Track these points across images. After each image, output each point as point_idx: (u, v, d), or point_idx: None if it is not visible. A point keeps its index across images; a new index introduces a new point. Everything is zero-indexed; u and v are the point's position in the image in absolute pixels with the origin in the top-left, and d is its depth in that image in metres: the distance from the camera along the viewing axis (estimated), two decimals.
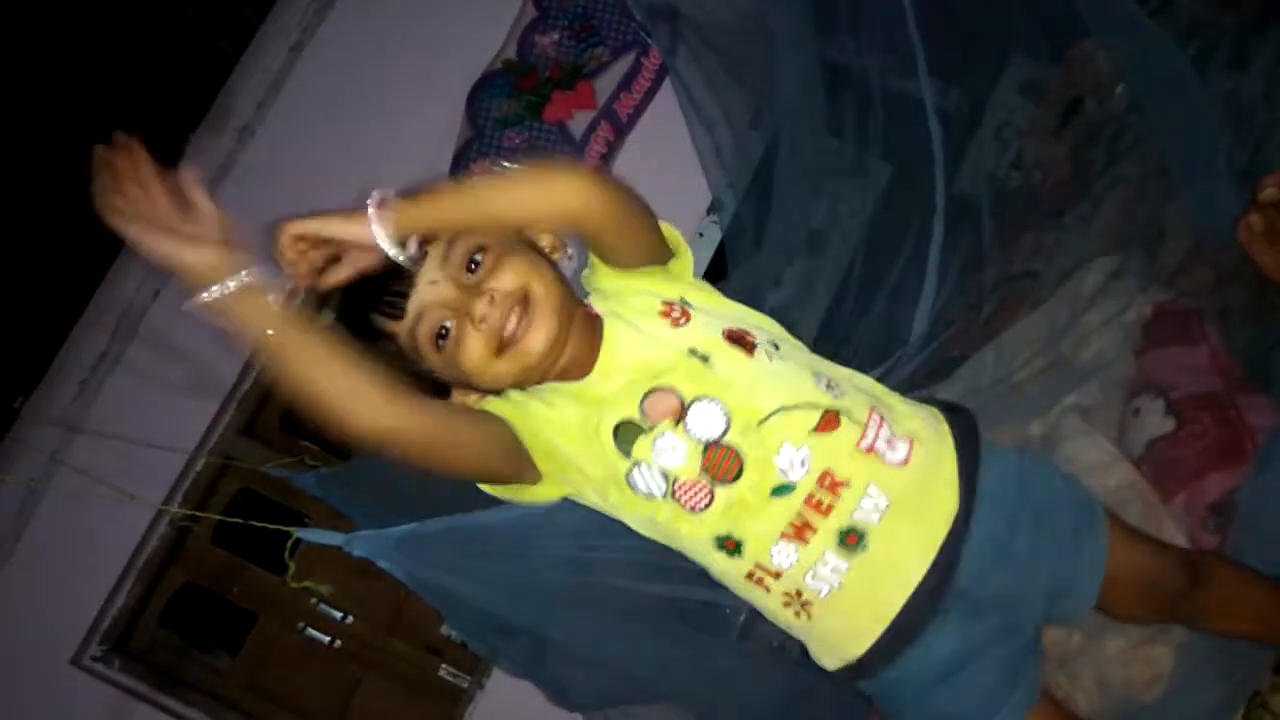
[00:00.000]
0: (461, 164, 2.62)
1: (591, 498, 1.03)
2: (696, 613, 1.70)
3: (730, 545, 0.97)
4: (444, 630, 2.58)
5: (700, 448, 0.95)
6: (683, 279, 1.05)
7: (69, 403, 2.58)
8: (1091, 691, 1.22)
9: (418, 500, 2.00)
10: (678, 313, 1.01)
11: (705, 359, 0.97)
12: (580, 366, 0.99)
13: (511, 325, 0.95)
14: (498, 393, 1.01)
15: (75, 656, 2.56)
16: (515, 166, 0.99)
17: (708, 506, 0.96)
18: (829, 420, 0.96)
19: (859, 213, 2.30)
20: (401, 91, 2.58)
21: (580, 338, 0.99)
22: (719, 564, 1.00)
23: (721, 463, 0.95)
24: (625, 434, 0.96)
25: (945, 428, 1.02)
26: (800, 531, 0.95)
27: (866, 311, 1.90)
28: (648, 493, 0.97)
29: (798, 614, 0.99)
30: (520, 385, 1.00)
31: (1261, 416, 1.15)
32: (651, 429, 0.95)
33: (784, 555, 0.96)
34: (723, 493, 0.95)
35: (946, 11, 1.81)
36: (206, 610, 2.71)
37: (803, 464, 0.95)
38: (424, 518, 1.51)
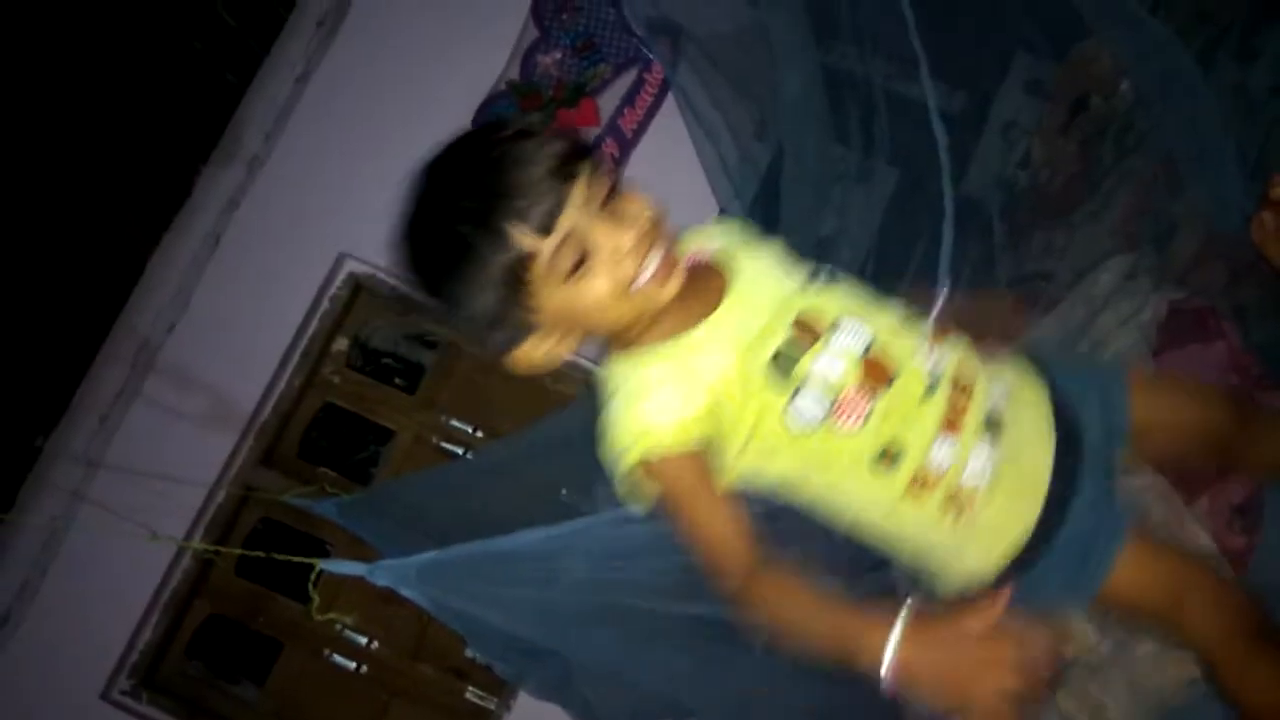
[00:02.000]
0: None
1: (740, 447, 0.98)
2: (722, 627, 1.69)
3: (889, 457, 0.97)
4: (469, 653, 2.59)
5: (857, 358, 0.96)
6: None
7: (90, 439, 2.60)
8: (1123, 697, 1.21)
9: (438, 525, 2.01)
10: (795, 258, 1.05)
11: (833, 278, 1.02)
12: (695, 312, 0.96)
13: (652, 265, 0.91)
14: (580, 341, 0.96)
15: (104, 691, 2.58)
16: None
17: (866, 419, 0.96)
18: (941, 330, 1.03)
19: (867, 219, 2.30)
20: (407, 117, 2.60)
21: (692, 286, 0.96)
22: (873, 488, 0.98)
23: (876, 371, 0.97)
24: (783, 362, 0.95)
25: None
26: (953, 423, 0.98)
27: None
28: (807, 421, 0.95)
29: (956, 518, 0.99)
30: (623, 330, 0.96)
31: None
32: (809, 349, 0.96)
33: (943, 452, 0.98)
34: (880, 402, 0.96)
35: (948, 14, 1.82)
36: (232, 641, 2.73)
37: (938, 363, 0.99)
38: (445, 541, 1.51)
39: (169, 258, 2.62)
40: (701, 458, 0.95)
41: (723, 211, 2.50)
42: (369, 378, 2.76)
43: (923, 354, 0.99)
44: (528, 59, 2.70)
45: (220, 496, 2.60)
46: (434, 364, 2.76)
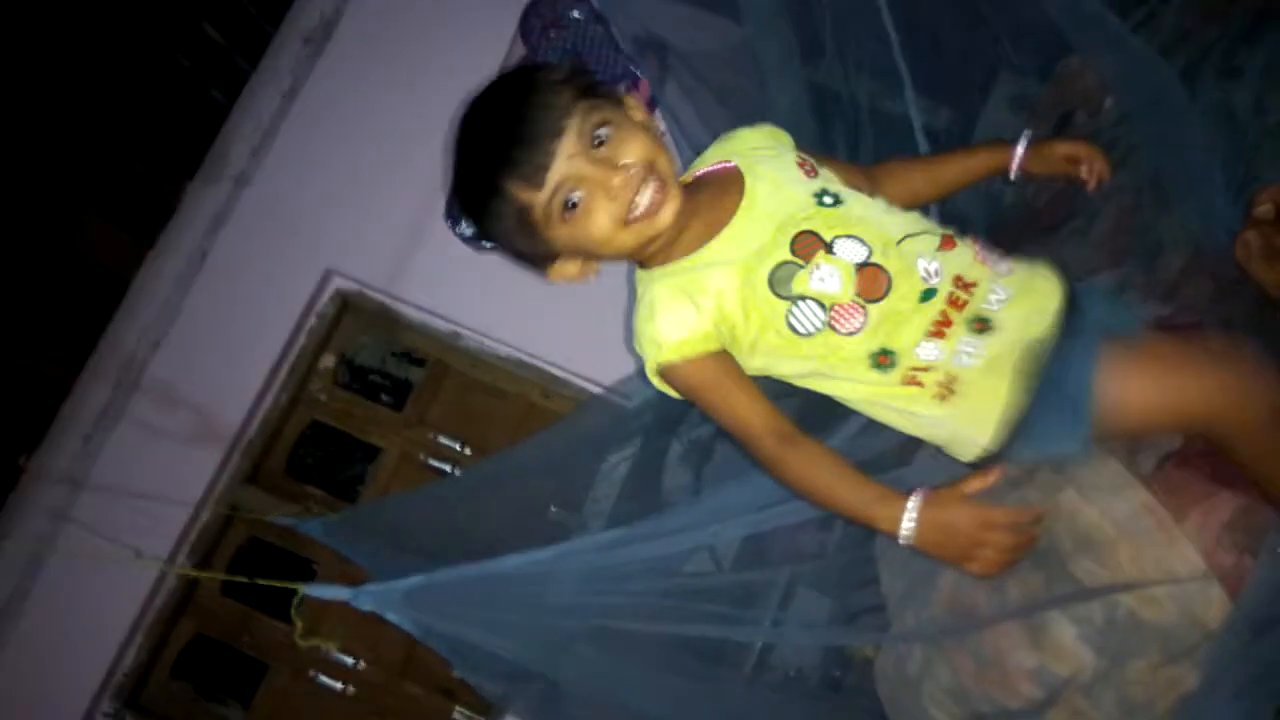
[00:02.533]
0: (456, 204, 2.62)
1: (752, 351, 1.10)
2: (711, 647, 1.68)
3: (884, 360, 1.08)
4: (456, 673, 2.57)
5: (852, 270, 1.05)
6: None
7: (73, 458, 2.57)
8: (1115, 715, 1.20)
9: (427, 543, 2.00)
10: (809, 166, 1.15)
11: (837, 200, 1.10)
12: (710, 225, 1.08)
13: (645, 199, 1.04)
14: (595, 260, 1.11)
15: (88, 713, 2.55)
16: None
17: (863, 326, 1.06)
18: (948, 240, 1.11)
19: None
20: (394, 134, 2.59)
21: (708, 204, 1.10)
22: (873, 382, 1.09)
23: (873, 281, 1.06)
24: (781, 277, 1.06)
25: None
26: (940, 327, 1.06)
27: None
28: (806, 330, 1.06)
29: (945, 398, 1.09)
30: (639, 252, 1.09)
31: None
32: (806, 264, 1.05)
33: (928, 351, 1.07)
34: (875, 309, 1.06)
35: (932, 32, 1.82)
36: (218, 661, 2.69)
37: (938, 272, 1.08)
38: (433, 559, 1.49)
39: (154, 275, 2.60)
40: (718, 356, 1.08)
41: None
42: (356, 395, 2.74)
43: (924, 262, 1.07)
44: None
45: (206, 515, 2.58)
46: (421, 381, 2.74)
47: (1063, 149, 1.32)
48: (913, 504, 1.05)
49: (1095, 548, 1.14)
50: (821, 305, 1.05)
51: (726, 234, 1.08)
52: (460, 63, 2.63)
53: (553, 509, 2.35)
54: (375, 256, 2.60)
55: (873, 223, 1.09)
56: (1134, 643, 1.14)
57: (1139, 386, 1.08)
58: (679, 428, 2.25)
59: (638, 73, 2.63)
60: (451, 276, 2.57)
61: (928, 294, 1.07)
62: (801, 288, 1.05)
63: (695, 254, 1.08)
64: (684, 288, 1.07)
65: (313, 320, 2.65)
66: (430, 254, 2.57)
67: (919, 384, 1.09)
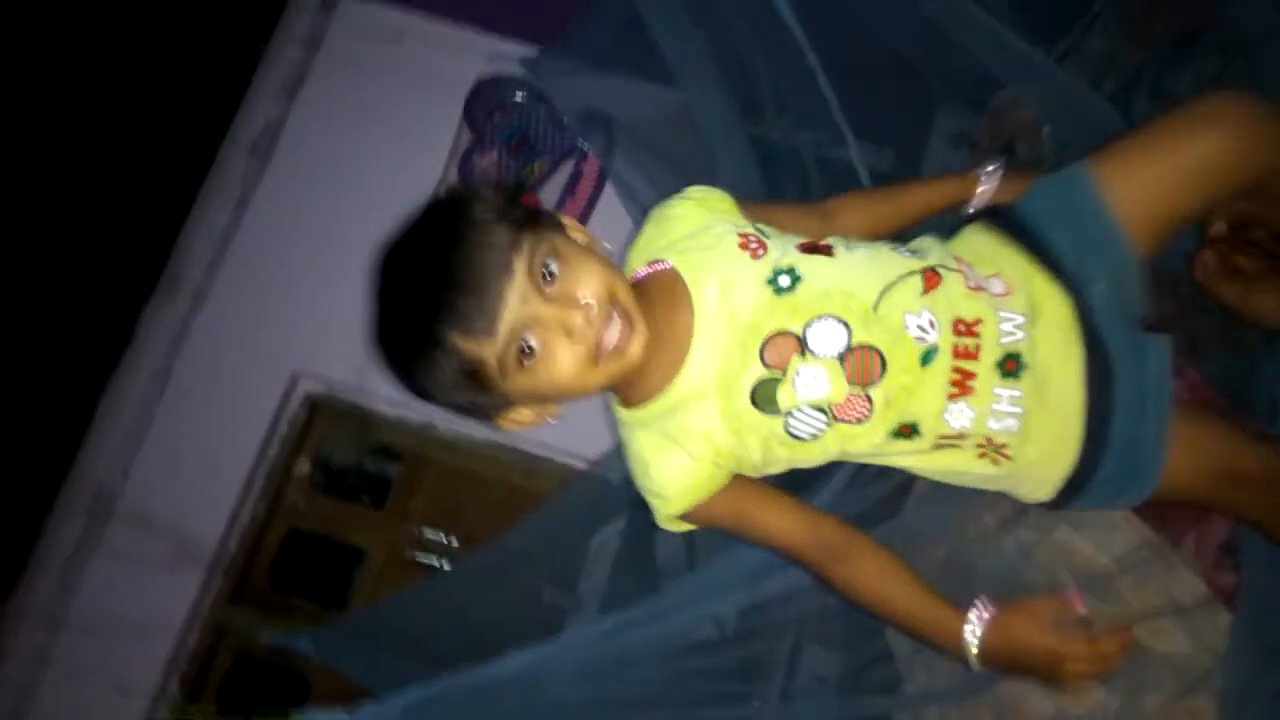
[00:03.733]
0: None
1: (768, 467, 1.02)
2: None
3: (906, 431, 0.97)
4: None
5: (837, 364, 0.95)
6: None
7: (51, 598, 2.50)
8: None
9: (421, 644, 1.94)
10: (754, 244, 1.00)
11: (794, 279, 0.97)
12: (671, 352, 0.97)
13: (612, 335, 0.94)
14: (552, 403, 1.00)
15: None
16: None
17: (870, 411, 0.95)
18: (931, 278, 0.98)
19: None
20: (349, 232, 2.58)
21: (663, 324, 0.98)
22: (905, 449, 0.99)
23: (863, 365, 0.95)
24: (764, 395, 0.95)
25: (1002, 238, 1.04)
26: (962, 385, 0.95)
27: None
28: (812, 434, 0.96)
29: (996, 462, 0.99)
30: (609, 388, 0.99)
31: None
32: (784, 374, 0.95)
33: (958, 416, 0.96)
34: (878, 391, 0.95)
35: (866, 80, 1.85)
36: None
37: (932, 325, 0.95)
38: (427, 659, 1.44)
39: (118, 401, 2.56)
40: (729, 487, 0.99)
41: None
42: (334, 498, 2.70)
43: (913, 319, 0.95)
44: (465, 162, 2.72)
45: (192, 640, 2.50)
46: (399, 475, 2.70)
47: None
48: (972, 635, 0.95)
49: (1097, 584, 1.13)
50: (816, 410, 0.96)
51: (690, 363, 0.97)
52: (409, 153, 2.65)
53: (547, 592, 2.30)
54: (341, 356, 2.58)
55: (840, 292, 0.96)
56: (1148, 676, 1.12)
57: (1186, 468, 0.99)
58: None
59: (585, 148, 2.67)
60: None
61: (928, 355, 0.95)
62: (788, 401, 0.96)
63: (666, 392, 0.98)
64: (669, 435, 0.98)
65: (283, 427, 2.61)
66: None
67: (956, 448, 0.99)
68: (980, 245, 1.05)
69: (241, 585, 2.57)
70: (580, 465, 2.42)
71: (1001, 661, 0.96)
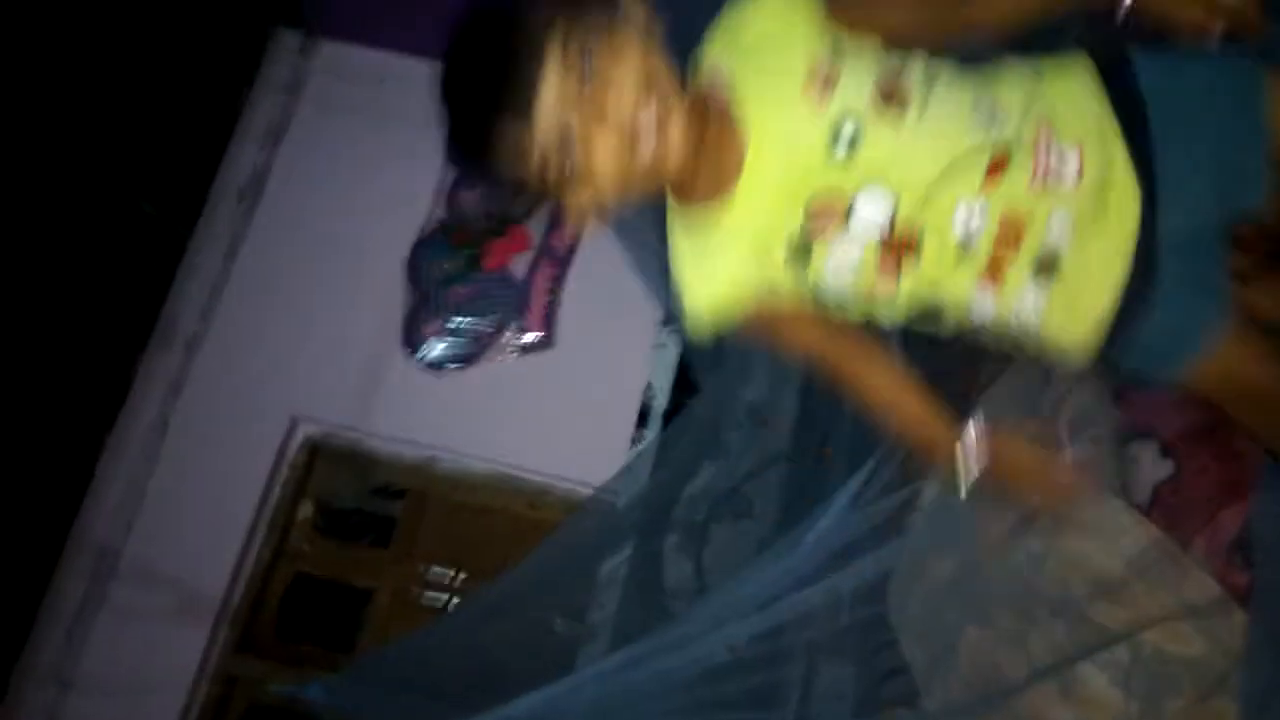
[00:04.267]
0: (414, 330, 2.62)
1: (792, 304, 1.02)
2: None
3: (930, 310, 0.99)
4: None
5: (875, 240, 0.94)
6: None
7: (59, 657, 2.48)
8: None
9: (435, 683, 1.93)
10: (822, 79, 0.95)
11: (853, 142, 0.93)
12: (718, 175, 0.96)
13: (646, 121, 0.92)
14: (604, 204, 0.96)
15: None
16: None
17: (896, 290, 0.96)
18: (998, 163, 0.93)
19: None
20: (340, 273, 2.60)
21: (713, 143, 0.96)
22: (926, 325, 1.01)
23: (899, 248, 0.94)
24: (797, 255, 0.96)
25: (1097, 90, 0.98)
26: (994, 274, 0.94)
27: (840, 402, 1.88)
28: (837, 298, 0.98)
29: (1015, 339, 1.01)
30: (654, 179, 0.96)
31: (1252, 443, 1.14)
32: (822, 240, 0.95)
33: (984, 305, 0.96)
34: (909, 272, 0.95)
35: None
36: None
37: (980, 214, 0.93)
38: (442, 700, 1.42)
39: (117, 456, 2.55)
40: (759, 304, 0.99)
41: (666, 321, 2.50)
42: (339, 540, 2.68)
43: (964, 208, 0.93)
44: (452, 197, 2.73)
45: (201, 694, 2.48)
46: (403, 514, 2.69)
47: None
48: (971, 439, 1.00)
49: (1110, 590, 1.12)
50: (847, 275, 0.96)
51: (736, 197, 0.96)
52: (395, 192, 2.66)
53: (558, 623, 2.29)
54: (339, 397, 2.57)
55: (900, 163, 0.92)
56: (1166, 680, 1.11)
57: (1215, 381, 1.00)
58: (672, 516, 2.22)
59: None
60: (418, 403, 2.55)
61: (963, 247, 0.94)
62: (820, 264, 0.96)
63: (708, 208, 0.98)
64: (703, 250, 0.99)
65: (284, 471, 2.60)
66: (393, 385, 2.55)
67: (975, 333, 1.01)
68: (1077, 97, 0.98)
69: (249, 634, 2.55)
70: (585, 493, 2.41)
71: (985, 482, 1.00)
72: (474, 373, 2.60)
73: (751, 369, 2.29)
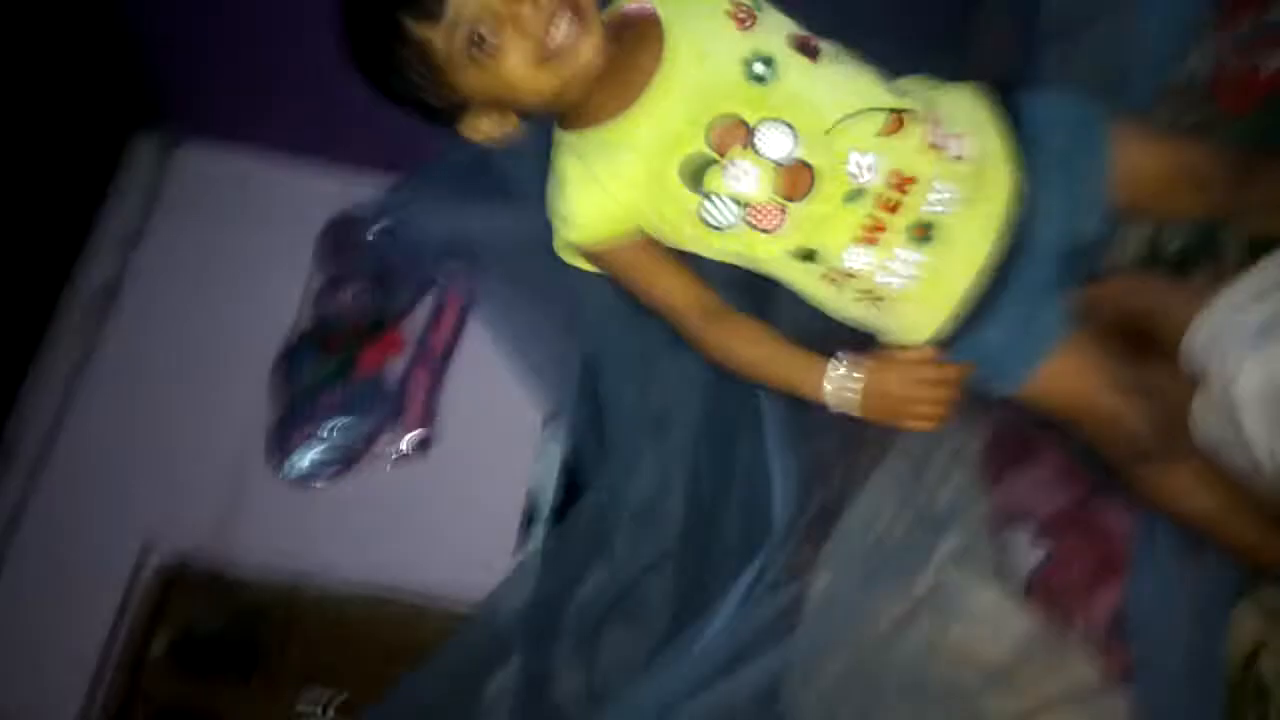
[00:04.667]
0: (281, 442, 2.48)
1: (670, 237, 1.03)
2: None
3: (805, 255, 1.01)
4: None
5: (772, 168, 0.96)
6: None
7: None
8: None
9: None
10: (745, 12, 0.99)
11: (768, 71, 0.96)
12: (625, 88, 0.97)
13: (560, 32, 0.92)
14: (524, 116, 0.99)
15: None
16: None
17: (781, 224, 0.98)
18: (895, 122, 0.98)
19: (692, 387, 2.32)
20: (197, 390, 2.46)
21: (625, 61, 0.97)
22: (794, 270, 1.03)
23: (793, 180, 0.96)
24: (693, 169, 0.96)
25: (988, 103, 1.06)
26: (872, 233, 0.98)
27: (726, 498, 1.87)
28: (719, 224, 0.98)
29: (868, 306, 1.04)
30: (560, 98, 0.97)
31: (1122, 521, 1.17)
32: (721, 158, 0.96)
33: (856, 258, 0.99)
34: (795, 209, 0.97)
35: None
36: None
37: (871, 168, 0.97)
38: None
39: None
40: (633, 239, 1.00)
41: (549, 416, 2.46)
42: (199, 674, 2.47)
43: (857, 156, 0.96)
44: (321, 300, 2.64)
45: None
46: (268, 636, 2.50)
47: None
48: (840, 369, 1.01)
49: (998, 679, 1.11)
50: (735, 203, 0.97)
51: (638, 109, 0.97)
52: (260, 300, 2.56)
53: None
54: (198, 517, 2.41)
55: (806, 103, 0.96)
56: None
57: (1051, 389, 1.06)
58: (561, 625, 2.14)
59: (450, 278, 2.63)
60: (285, 520, 2.40)
61: (854, 194, 0.97)
62: (714, 185, 0.97)
63: (606, 126, 0.98)
64: (594, 166, 0.99)
65: (136, 603, 2.40)
66: (258, 501, 2.41)
67: (838, 286, 1.03)
68: (966, 105, 1.06)
69: None
70: (469, 606, 2.30)
71: (859, 405, 1.02)
72: (346, 484, 2.48)
73: (638, 466, 2.26)
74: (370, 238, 2.64)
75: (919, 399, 1.01)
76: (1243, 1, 1.10)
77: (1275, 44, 1.11)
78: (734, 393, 2.00)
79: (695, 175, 0.97)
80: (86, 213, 2.64)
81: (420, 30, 0.91)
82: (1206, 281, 1.19)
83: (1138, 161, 1.08)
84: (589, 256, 1.04)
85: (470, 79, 0.94)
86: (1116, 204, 1.09)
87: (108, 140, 2.68)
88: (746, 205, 0.97)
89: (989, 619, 1.12)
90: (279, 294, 2.55)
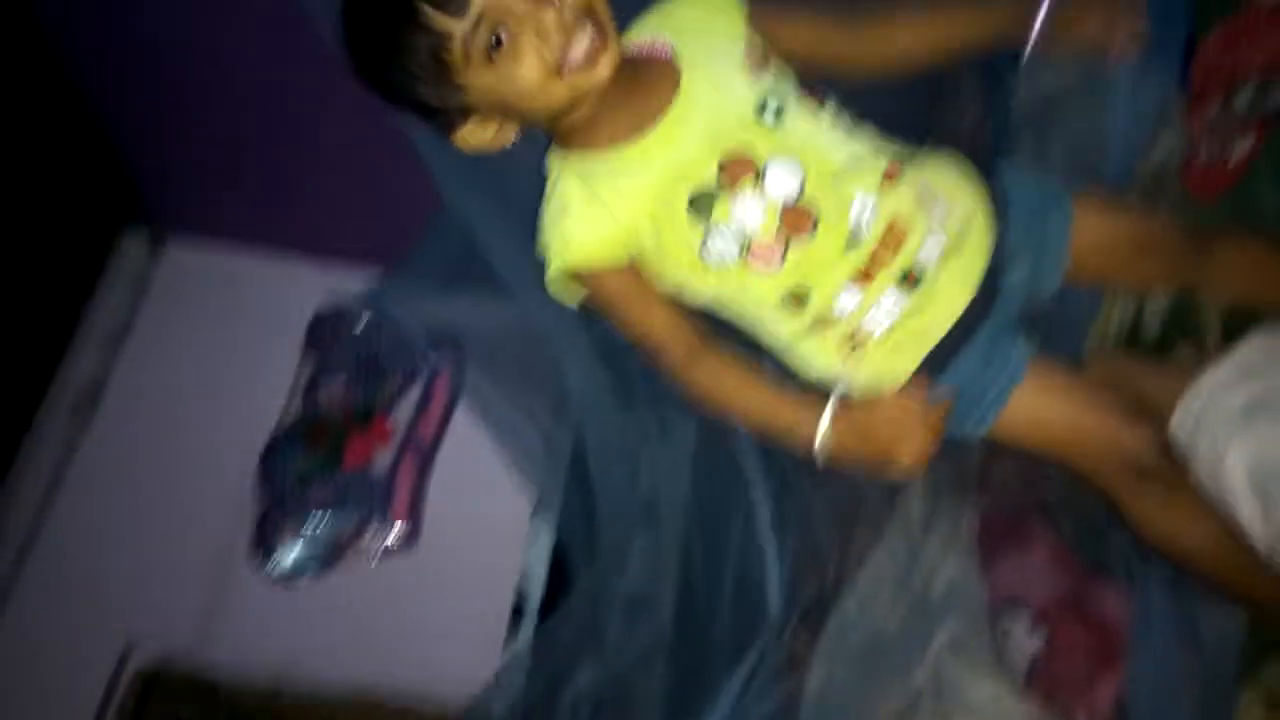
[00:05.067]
0: (265, 539, 2.44)
1: (661, 271, 1.03)
2: None
3: (797, 300, 1.01)
4: None
5: (779, 207, 0.97)
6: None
7: None
8: None
9: None
10: (758, 57, 1.02)
11: (778, 114, 0.99)
12: (639, 117, 0.98)
13: (582, 44, 0.91)
14: (523, 128, 0.99)
15: None
16: None
17: (780, 265, 0.98)
18: (893, 170, 1.01)
19: (681, 473, 2.30)
20: (184, 483, 2.44)
21: (639, 91, 0.98)
22: (780, 322, 1.04)
23: (797, 220, 0.97)
24: (702, 199, 0.97)
25: (968, 166, 1.09)
26: (866, 274, 0.99)
27: (719, 586, 1.83)
28: (720, 260, 0.99)
29: (851, 352, 1.03)
30: (567, 112, 0.96)
31: (1119, 606, 1.15)
32: (731, 191, 0.97)
33: (848, 299, 1.00)
34: (797, 248, 0.98)
35: None
36: None
37: (872, 212, 0.99)
38: None
39: None
40: (627, 269, 1.00)
41: (538, 506, 2.43)
42: None
43: (860, 200, 0.99)
44: (308, 392, 2.63)
45: None
46: None
47: (1092, 25, 1.10)
48: (828, 411, 1.01)
49: None
50: (739, 238, 0.98)
51: (654, 136, 0.97)
52: (246, 397, 2.54)
53: None
54: (179, 618, 2.36)
55: (814, 146, 0.99)
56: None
57: (1027, 422, 1.06)
58: None
59: (435, 368, 2.63)
60: (269, 620, 2.35)
61: (854, 236, 0.99)
62: (721, 215, 0.97)
63: (617, 149, 0.98)
64: (600, 189, 0.98)
65: (117, 705, 2.33)
66: (238, 601, 2.36)
67: (822, 334, 1.03)
68: (947, 168, 1.09)
69: None
70: (457, 705, 2.23)
71: (847, 446, 1.01)
72: (331, 581, 2.43)
73: (629, 555, 2.23)
74: (357, 330, 2.65)
75: (906, 437, 1.01)
76: (1209, 88, 1.13)
77: (1242, 131, 1.13)
78: (724, 477, 1.98)
79: (703, 206, 0.98)
80: (73, 309, 2.64)
81: (441, 22, 0.90)
82: (1189, 362, 1.19)
83: (1098, 228, 1.11)
84: (579, 282, 1.03)
85: (482, 80, 0.93)
86: (1079, 271, 1.11)
87: (95, 237, 2.70)
88: (749, 240, 0.98)
89: (989, 712, 1.09)
90: (266, 388, 2.54)
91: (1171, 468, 1.06)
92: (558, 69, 0.92)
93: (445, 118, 0.98)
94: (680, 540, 2.15)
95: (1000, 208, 1.07)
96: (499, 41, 0.90)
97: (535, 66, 0.91)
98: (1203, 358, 1.17)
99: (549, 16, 0.90)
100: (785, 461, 1.94)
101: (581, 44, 0.92)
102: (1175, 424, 1.07)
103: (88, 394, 2.53)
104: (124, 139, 2.44)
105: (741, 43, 1.02)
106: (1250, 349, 1.07)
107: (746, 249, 0.98)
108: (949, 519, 1.37)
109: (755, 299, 1.03)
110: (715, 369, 1.03)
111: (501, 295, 2.05)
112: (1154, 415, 1.08)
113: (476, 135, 0.99)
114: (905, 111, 1.90)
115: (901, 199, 1.01)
